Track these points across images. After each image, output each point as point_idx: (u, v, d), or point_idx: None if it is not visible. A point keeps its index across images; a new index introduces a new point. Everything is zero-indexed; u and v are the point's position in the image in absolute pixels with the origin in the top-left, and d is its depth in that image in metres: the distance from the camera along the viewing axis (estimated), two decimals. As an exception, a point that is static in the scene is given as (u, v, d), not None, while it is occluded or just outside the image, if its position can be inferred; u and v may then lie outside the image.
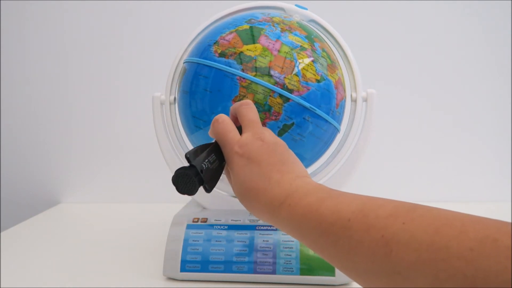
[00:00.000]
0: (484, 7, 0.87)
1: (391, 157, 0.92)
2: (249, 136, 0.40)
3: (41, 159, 0.99)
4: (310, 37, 0.54)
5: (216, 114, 0.51)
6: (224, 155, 0.41)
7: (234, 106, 0.44)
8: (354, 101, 0.59)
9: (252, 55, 0.50)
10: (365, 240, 0.27)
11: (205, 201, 0.61)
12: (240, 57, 0.50)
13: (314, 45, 0.53)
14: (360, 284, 0.29)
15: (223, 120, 0.41)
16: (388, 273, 0.25)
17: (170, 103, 0.61)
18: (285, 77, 0.50)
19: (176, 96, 0.59)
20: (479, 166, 0.92)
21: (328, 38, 0.61)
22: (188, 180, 0.37)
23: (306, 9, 0.60)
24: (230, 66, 0.50)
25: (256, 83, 0.49)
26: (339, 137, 0.59)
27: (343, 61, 0.60)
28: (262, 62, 0.50)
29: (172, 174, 0.61)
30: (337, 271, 0.52)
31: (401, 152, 0.92)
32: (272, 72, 0.50)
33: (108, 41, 0.94)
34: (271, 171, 0.38)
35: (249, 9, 0.60)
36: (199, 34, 0.60)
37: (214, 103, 0.51)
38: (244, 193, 0.38)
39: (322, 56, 0.53)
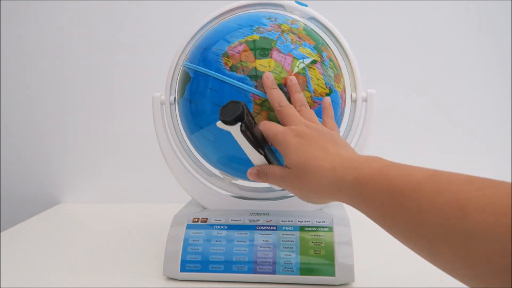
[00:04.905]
0: (484, 7, 0.87)
1: (391, 157, 0.91)
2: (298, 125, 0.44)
3: (41, 159, 0.98)
4: (318, 47, 0.53)
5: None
6: (273, 134, 0.44)
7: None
8: (354, 101, 0.59)
9: (266, 71, 0.49)
10: (437, 202, 0.27)
11: (205, 201, 0.61)
12: (253, 73, 0.49)
13: (322, 56, 0.53)
14: (425, 252, 0.29)
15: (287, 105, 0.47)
16: (460, 237, 0.25)
17: (170, 103, 0.60)
18: None
19: (176, 96, 0.59)
20: (479, 166, 0.91)
21: (328, 37, 0.60)
22: (235, 107, 0.42)
23: (306, 5, 0.60)
24: (243, 82, 0.49)
25: None
26: (339, 137, 0.59)
27: (343, 60, 0.60)
28: (276, 79, 0.49)
29: (172, 174, 0.61)
30: (337, 271, 0.52)
31: (401, 152, 0.91)
32: (285, 89, 0.49)
33: (107, 41, 0.94)
34: (327, 144, 0.41)
35: (249, 6, 0.59)
36: (197, 32, 0.59)
37: None
38: (303, 165, 0.40)
39: (330, 67, 0.53)
